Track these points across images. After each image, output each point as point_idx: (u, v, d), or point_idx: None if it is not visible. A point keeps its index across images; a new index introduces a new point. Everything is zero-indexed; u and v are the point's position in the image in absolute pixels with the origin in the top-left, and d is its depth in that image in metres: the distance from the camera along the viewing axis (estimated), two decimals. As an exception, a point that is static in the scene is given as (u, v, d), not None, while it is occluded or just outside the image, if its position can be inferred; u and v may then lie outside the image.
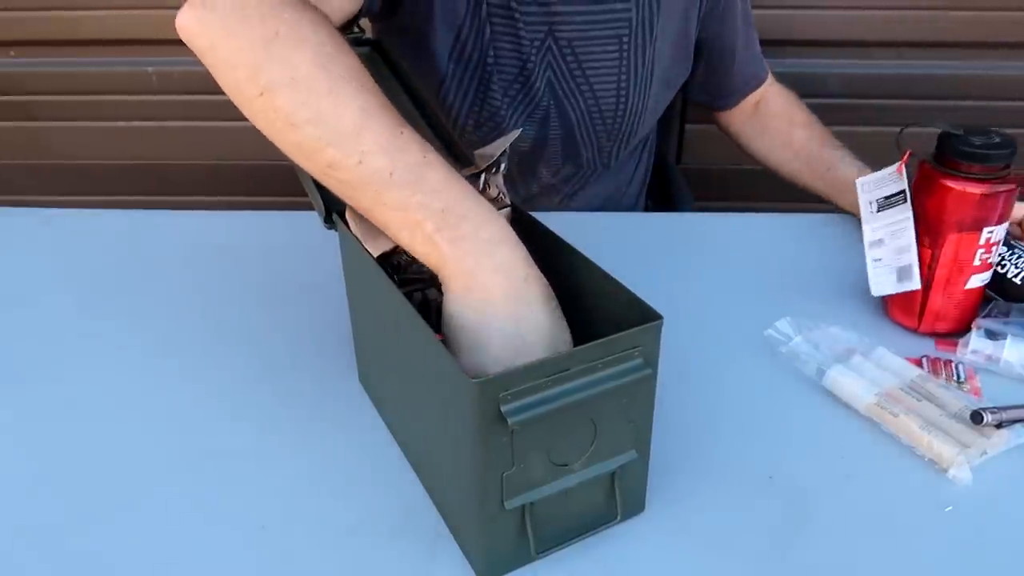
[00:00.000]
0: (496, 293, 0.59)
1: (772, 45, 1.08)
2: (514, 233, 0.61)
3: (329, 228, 0.71)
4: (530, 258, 0.61)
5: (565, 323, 0.62)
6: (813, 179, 1.11)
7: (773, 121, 1.20)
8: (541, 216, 0.68)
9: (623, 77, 1.04)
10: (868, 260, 0.86)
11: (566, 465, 0.58)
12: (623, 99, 1.05)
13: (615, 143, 1.11)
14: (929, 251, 0.82)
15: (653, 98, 1.08)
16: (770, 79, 1.22)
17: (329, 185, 0.63)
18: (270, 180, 1.70)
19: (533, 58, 1.00)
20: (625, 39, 1.01)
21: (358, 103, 0.62)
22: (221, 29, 0.67)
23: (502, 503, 0.56)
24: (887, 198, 0.83)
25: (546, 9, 0.98)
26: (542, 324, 0.60)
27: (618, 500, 0.61)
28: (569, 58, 1.01)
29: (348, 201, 0.64)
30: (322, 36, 0.65)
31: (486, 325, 0.59)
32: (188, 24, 0.68)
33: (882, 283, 0.85)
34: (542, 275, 0.61)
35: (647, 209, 1.31)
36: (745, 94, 1.20)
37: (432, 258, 0.60)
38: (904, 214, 0.82)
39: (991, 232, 0.79)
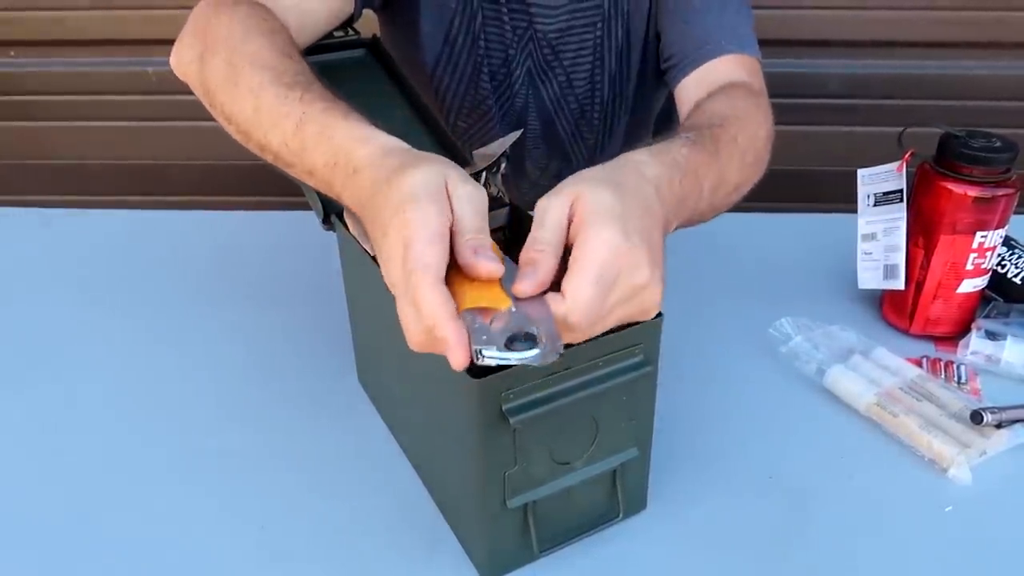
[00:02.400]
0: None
1: (772, 45, 1.07)
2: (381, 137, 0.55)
3: (328, 230, 0.71)
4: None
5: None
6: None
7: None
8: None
9: (597, 63, 1.03)
10: (859, 252, 0.86)
11: (568, 463, 0.58)
12: (598, 86, 1.05)
13: (596, 133, 1.10)
14: (922, 251, 0.82)
15: (635, 87, 1.06)
16: (746, 70, 0.87)
17: (280, 168, 0.63)
18: (269, 180, 1.69)
19: (514, 47, 1.01)
20: (599, 25, 1.01)
21: (249, 85, 0.62)
22: (187, 64, 0.72)
23: (504, 502, 0.56)
24: (885, 194, 0.83)
25: (528, 1, 0.98)
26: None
27: (620, 498, 0.61)
28: (546, 50, 1.02)
29: (297, 178, 0.62)
30: (236, 29, 0.67)
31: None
32: (173, 65, 0.74)
33: (868, 277, 0.86)
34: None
35: None
36: (693, 60, 0.89)
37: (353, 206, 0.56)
38: (898, 213, 0.82)
39: (984, 236, 0.78)
